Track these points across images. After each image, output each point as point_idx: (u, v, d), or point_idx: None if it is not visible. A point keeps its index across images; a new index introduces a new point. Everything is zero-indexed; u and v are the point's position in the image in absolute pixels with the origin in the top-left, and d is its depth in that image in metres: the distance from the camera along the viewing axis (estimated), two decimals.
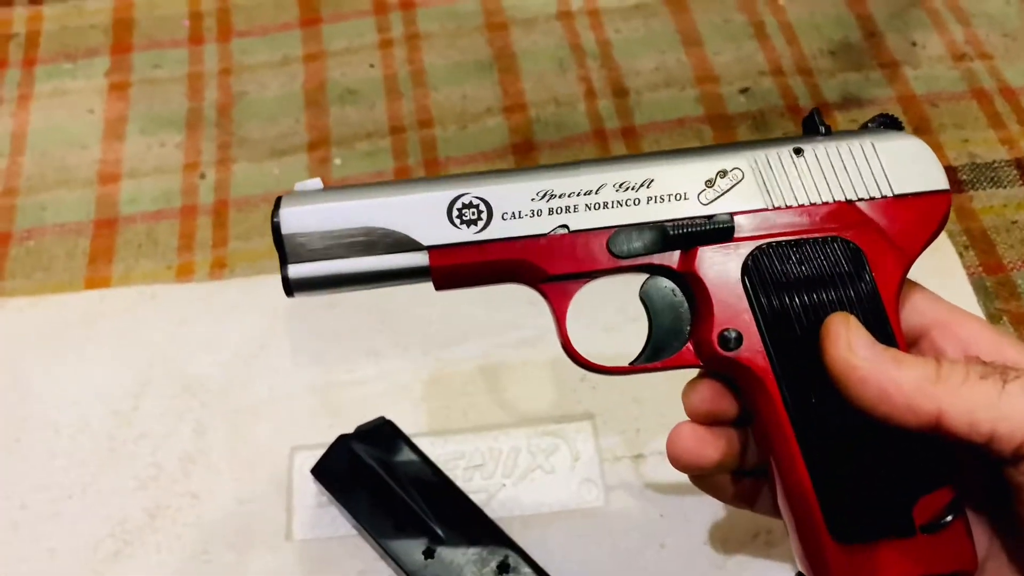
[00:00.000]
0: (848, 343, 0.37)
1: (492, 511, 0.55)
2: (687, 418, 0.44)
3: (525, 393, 0.61)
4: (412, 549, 0.52)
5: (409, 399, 0.61)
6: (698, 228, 0.41)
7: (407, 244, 0.42)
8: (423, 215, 0.42)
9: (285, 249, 0.42)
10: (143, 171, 0.80)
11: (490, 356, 0.63)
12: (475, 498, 0.55)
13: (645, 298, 0.44)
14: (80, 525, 0.57)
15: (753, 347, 0.40)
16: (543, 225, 0.42)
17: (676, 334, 0.43)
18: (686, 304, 0.43)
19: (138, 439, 0.60)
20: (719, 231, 0.41)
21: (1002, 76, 0.81)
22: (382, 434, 0.57)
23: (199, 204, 0.77)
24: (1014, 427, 0.34)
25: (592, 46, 0.85)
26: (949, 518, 0.39)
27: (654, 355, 0.43)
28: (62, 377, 0.63)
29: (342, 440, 0.56)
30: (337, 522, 0.56)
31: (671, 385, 0.62)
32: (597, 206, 0.42)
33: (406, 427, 0.58)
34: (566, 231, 0.42)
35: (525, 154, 0.79)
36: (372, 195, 0.42)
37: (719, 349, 0.40)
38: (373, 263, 0.42)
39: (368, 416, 0.58)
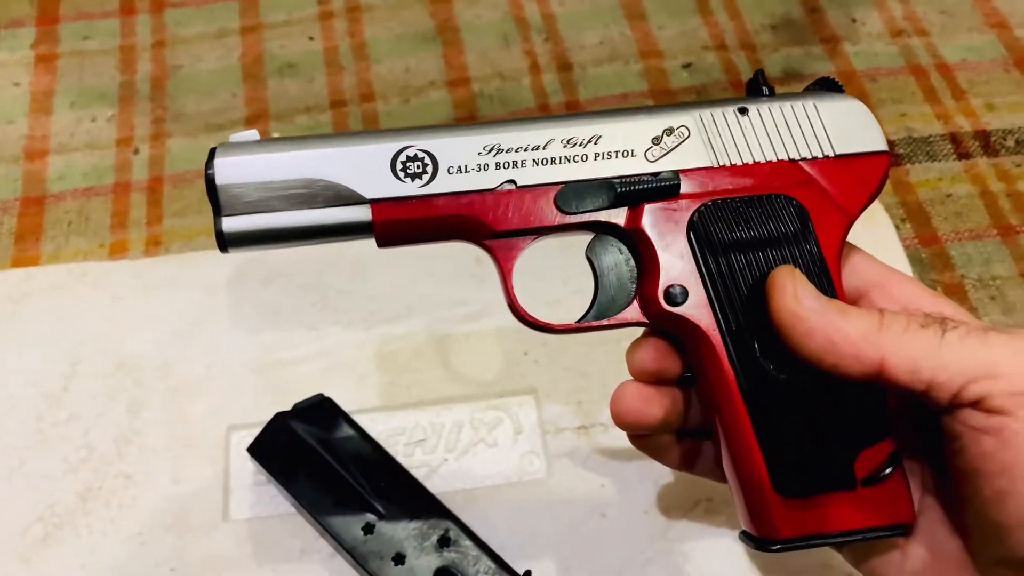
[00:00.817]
0: (795, 294, 0.37)
1: (434, 486, 0.54)
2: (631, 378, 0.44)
3: (468, 368, 0.61)
4: (351, 525, 0.51)
5: (351, 375, 0.60)
6: (645, 185, 0.42)
7: (349, 197, 0.41)
8: (366, 167, 0.41)
9: (219, 201, 0.40)
10: (73, 146, 0.77)
11: (434, 331, 0.62)
12: (416, 473, 0.54)
13: (592, 256, 0.44)
14: (6, 510, 0.55)
15: (698, 303, 0.41)
16: (490, 180, 0.41)
17: (622, 293, 0.43)
18: (633, 262, 0.43)
19: (68, 420, 0.58)
20: (665, 188, 0.41)
21: (938, 52, 0.82)
22: (321, 411, 0.56)
23: (133, 181, 0.75)
24: (952, 375, 0.35)
25: (537, 20, 0.84)
26: (889, 471, 0.40)
27: (600, 315, 0.43)
28: None
29: (279, 418, 0.55)
30: (276, 501, 0.55)
31: (613, 357, 0.62)
32: (545, 161, 0.42)
33: (349, 404, 0.57)
34: (513, 186, 0.41)
35: None
36: (312, 146, 0.41)
37: (664, 305, 0.41)
38: (313, 217, 0.41)
39: (310, 394, 0.57)
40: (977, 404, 0.35)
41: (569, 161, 0.42)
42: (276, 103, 0.80)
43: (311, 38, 0.83)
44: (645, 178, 0.42)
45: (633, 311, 0.42)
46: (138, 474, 0.56)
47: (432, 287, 0.64)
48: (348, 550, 0.50)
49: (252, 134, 0.42)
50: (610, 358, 0.61)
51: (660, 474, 0.56)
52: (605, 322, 0.43)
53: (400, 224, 0.41)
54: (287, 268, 0.65)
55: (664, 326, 0.42)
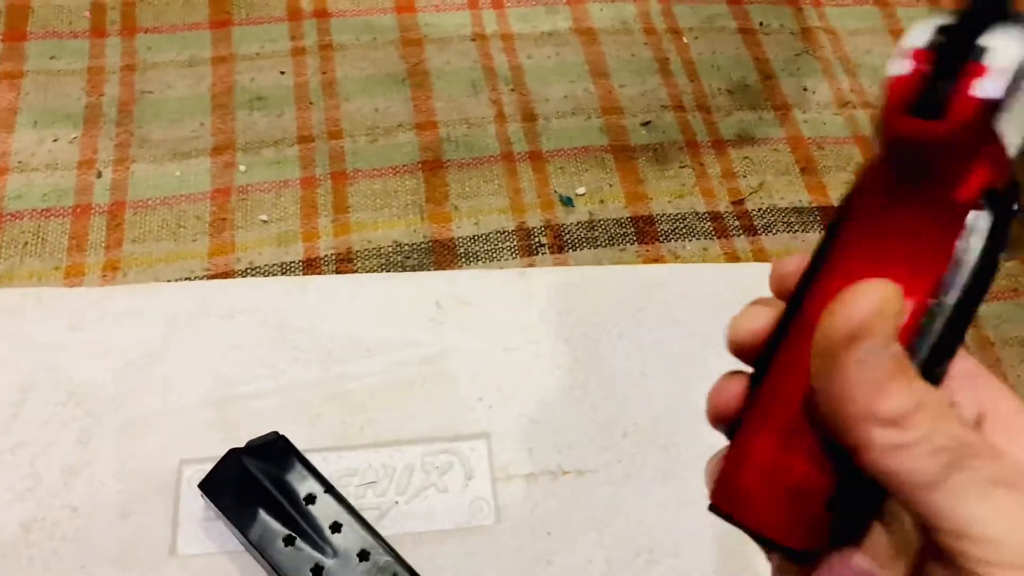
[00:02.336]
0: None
1: (384, 528, 0.55)
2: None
3: (423, 411, 0.62)
4: (301, 566, 0.52)
5: (306, 414, 0.61)
6: None
7: None
8: None
9: None
10: (33, 165, 0.77)
11: (390, 373, 0.63)
12: (367, 515, 0.55)
13: None
14: None
15: None
16: None
17: None
18: None
19: (15, 448, 0.58)
20: None
21: None
22: (274, 449, 0.56)
23: (93, 204, 0.75)
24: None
25: (504, 70, 0.87)
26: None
27: None
28: None
29: (232, 454, 0.55)
30: (224, 537, 0.56)
31: (566, 406, 0.64)
32: None
33: (302, 442, 0.57)
34: None
35: (434, 171, 0.79)
36: None
37: None
38: None
39: (264, 431, 0.58)
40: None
41: None
42: (243, 135, 0.80)
43: (282, 72, 0.84)
44: None
45: None
46: (84, 506, 0.56)
47: (390, 329, 0.65)
48: None
49: None
50: (562, 406, 0.63)
51: (603, 524, 0.58)
52: None
53: None
54: (249, 303, 0.65)
55: None
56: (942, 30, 0.27)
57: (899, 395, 0.27)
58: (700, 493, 0.61)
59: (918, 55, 0.27)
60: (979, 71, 0.26)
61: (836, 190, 0.82)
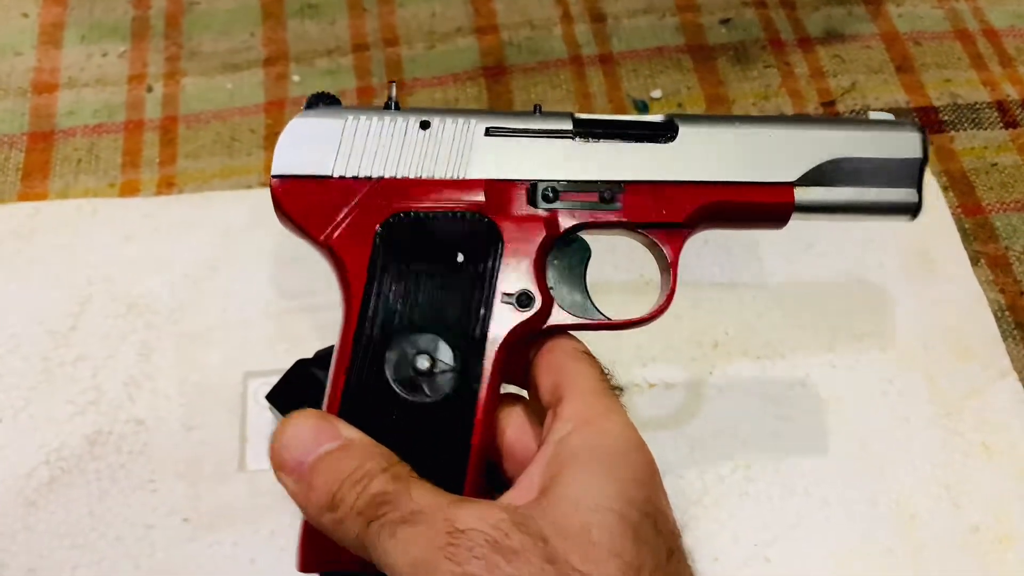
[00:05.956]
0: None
1: None
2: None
3: None
4: None
5: None
6: None
7: None
8: None
9: None
10: (83, 81, 0.74)
11: None
12: None
13: None
14: (11, 452, 0.53)
15: None
16: None
17: None
18: None
19: (76, 361, 0.55)
20: None
21: (985, 17, 0.79)
22: None
23: (145, 119, 0.72)
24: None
25: None
26: None
27: None
28: None
29: (300, 365, 0.52)
30: None
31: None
32: None
33: None
34: None
35: (497, 78, 0.75)
36: None
37: None
38: None
39: (329, 342, 0.54)
40: None
41: None
42: (295, 44, 0.76)
43: None
44: None
45: None
46: (150, 419, 0.54)
47: None
48: None
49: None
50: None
51: (696, 439, 0.54)
52: None
53: None
54: None
55: None
56: None
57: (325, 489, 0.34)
58: (800, 408, 0.56)
59: None
60: None
61: (935, 89, 0.75)
